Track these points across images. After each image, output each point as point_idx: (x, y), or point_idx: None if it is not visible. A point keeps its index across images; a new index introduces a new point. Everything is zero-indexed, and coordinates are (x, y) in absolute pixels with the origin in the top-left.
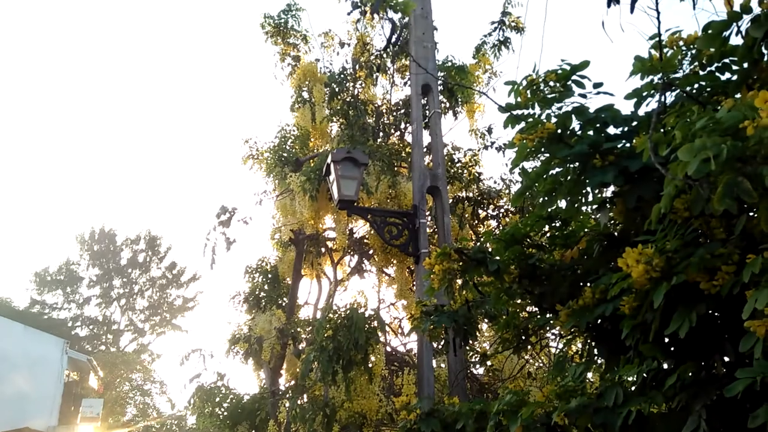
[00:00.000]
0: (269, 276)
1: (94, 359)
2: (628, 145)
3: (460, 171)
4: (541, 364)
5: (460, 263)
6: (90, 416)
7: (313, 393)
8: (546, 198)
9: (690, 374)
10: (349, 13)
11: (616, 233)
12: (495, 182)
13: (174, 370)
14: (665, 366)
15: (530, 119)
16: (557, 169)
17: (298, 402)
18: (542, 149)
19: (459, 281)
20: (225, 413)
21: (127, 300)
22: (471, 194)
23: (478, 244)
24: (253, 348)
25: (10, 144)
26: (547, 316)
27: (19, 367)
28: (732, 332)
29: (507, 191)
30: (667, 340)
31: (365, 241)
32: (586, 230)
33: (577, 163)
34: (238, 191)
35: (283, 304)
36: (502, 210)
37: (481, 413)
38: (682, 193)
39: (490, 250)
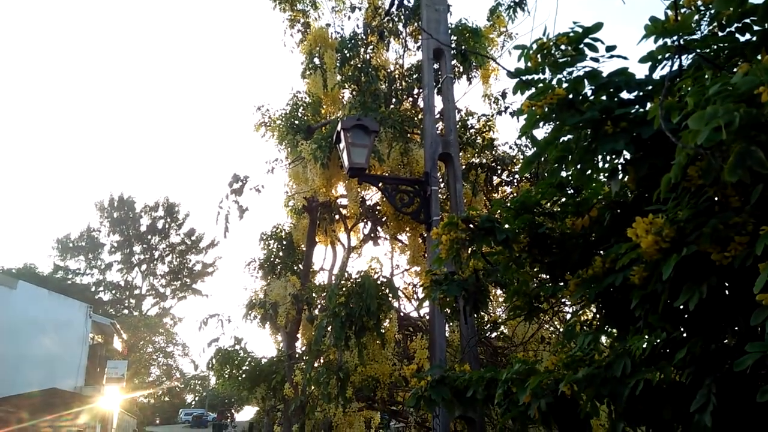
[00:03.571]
0: (284, 243)
1: (117, 323)
2: (641, 110)
3: (473, 137)
4: (555, 329)
5: (468, 232)
6: (115, 377)
7: (328, 357)
8: (556, 166)
9: (700, 347)
10: None
11: (629, 202)
12: (510, 148)
13: (196, 333)
14: (675, 338)
15: (540, 84)
16: (568, 137)
17: (314, 365)
18: (552, 116)
19: (469, 250)
20: (243, 375)
21: (148, 265)
22: (485, 161)
23: (487, 212)
24: (268, 313)
25: (29, 110)
26: (558, 284)
27: (46, 331)
28: (743, 306)
29: (522, 157)
30: (677, 312)
31: (378, 208)
32: (598, 198)
33: (588, 130)
34: (253, 159)
35: (298, 270)
36: (516, 176)
37: (491, 381)
38: (696, 161)
39: (499, 218)
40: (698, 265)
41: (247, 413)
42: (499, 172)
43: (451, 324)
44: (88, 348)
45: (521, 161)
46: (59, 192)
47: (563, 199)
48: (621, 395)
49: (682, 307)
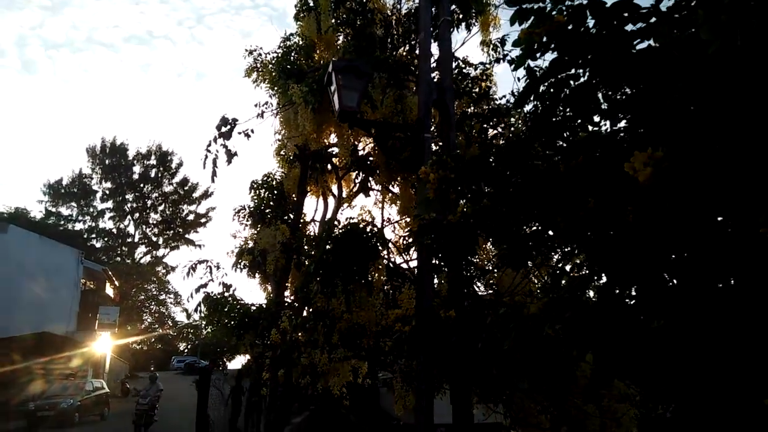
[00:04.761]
0: (275, 192)
1: (110, 270)
2: (645, 44)
3: (470, 86)
4: (543, 280)
5: (458, 171)
6: (107, 323)
7: (316, 305)
8: (552, 101)
9: (695, 291)
10: None
11: (626, 142)
12: (508, 102)
13: (189, 282)
14: (669, 282)
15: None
16: (566, 73)
17: (303, 314)
18: (551, 45)
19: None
20: (233, 323)
21: (141, 214)
22: (480, 111)
23: (479, 152)
24: (256, 260)
25: (20, 50)
26: (549, 227)
27: (37, 275)
28: (746, 246)
29: (518, 109)
30: (673, 255)
31: (370, 158)
32: (595, 139)
33: (588, 64)
34: (245, 106)
35: (289, 220)
36: (512, 129)
37: (476, 327)
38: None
39: (491, 159)
40: (699, 200)
41: (238, 362)
42: (494, 123)
43: (440, 274)
44: (80, 294)
45: (519, 113)
46: (51, 134)
47: (558, 140)
48: (609, 337)
49: (676, 250)
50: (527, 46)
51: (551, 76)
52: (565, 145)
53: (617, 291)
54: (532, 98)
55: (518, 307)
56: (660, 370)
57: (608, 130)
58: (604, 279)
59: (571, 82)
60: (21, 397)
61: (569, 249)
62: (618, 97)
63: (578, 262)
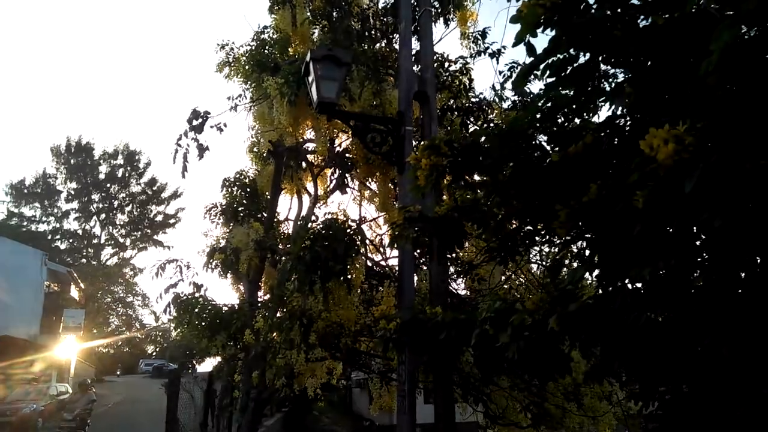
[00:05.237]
0: (248, 190)
1: (75, 272)
2: (650, 20)
3: (450, 80)
4: (523, 281)
5: (450, 158)
6: (72, 326)
7: (292, 305)
8: (554, 80)
9: (715, 278)
10: None
11: (626, 128)
12: (484, 99)
13: (157, 284)
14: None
15: None
16: (567, 53)
17: (277, 313)
18: (554, 19)
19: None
20: (204, 324)
21: (107, 215)
22: (461, 105)
23: (471, 139)
24: (229, 259)
25: None
26: (545, 217)
27: None
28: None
29: (498, 102)
30: (686, 239)
31: (347, 155)
32: (594, 126)
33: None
34: (217, 102)
35: (263, 218)
36: (493, 123)
37: (467, 322)
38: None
39: (483, 146)
40: (724, 178)
41: (209, 364)
42: (475, 117)
43: (419, 274)
44: (44, 296)
45: (498, 107)
46: (13, 133)
47: (554, 127)
48: (619, 330)
49: (690, 237)
50: (529, 21)
51: (552, 55)
52: (564, 130)
53: (621, 282)
54: (532, 77)
55: (513, 301)
56: (667, 362)
57: (610, 113)
58: (606, 270)
59: (573, 60)
60: None
61: (567, 239)
62: (620, 76)
63: (574, 253)
